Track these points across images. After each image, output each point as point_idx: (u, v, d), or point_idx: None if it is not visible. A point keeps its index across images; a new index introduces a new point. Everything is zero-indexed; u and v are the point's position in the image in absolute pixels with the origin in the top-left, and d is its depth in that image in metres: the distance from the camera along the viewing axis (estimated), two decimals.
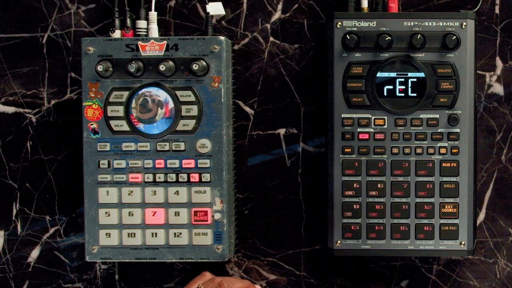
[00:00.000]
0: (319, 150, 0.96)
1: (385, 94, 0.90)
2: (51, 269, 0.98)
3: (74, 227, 0.97)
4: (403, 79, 0.90)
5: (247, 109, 0.96)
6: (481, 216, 0.96)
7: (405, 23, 0.89)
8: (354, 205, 0.91)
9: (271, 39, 0.96)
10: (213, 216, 0.90)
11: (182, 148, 0.90)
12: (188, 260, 0.91)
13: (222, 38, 0.89)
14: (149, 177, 0.90)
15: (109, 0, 0.96)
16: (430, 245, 0.90)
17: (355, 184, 0.91)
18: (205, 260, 0.90)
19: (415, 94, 0.90)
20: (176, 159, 0.90)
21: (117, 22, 0.93)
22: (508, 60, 0.95)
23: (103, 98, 0.90)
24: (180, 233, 0.90)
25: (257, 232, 0.97)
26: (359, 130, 0.90)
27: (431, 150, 0.90)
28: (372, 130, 0.90)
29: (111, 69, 0.89)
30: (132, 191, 0.91)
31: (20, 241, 0.98)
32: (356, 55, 0.90)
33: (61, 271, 0.98)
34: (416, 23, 0.89)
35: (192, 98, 0.90)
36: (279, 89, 0.96)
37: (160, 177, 0.90)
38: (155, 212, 0.90)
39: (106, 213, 0.91)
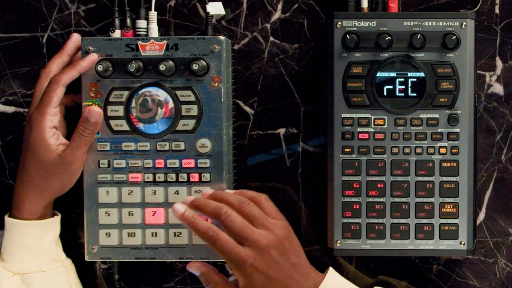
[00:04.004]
0: (319, 150, 0.96)
1: (385, 94, 0.90)
2: None
3: (74, 227, 0.97)
4: (403, 79, 0.90)
5: (247, 109, 0.96)
6: (481, 216, 0.96)
7: (405, 23, 0.89)
8: (354, 205, 0.91)
9: (271, 39, 0.96)
10: None
11: (182, 148, 0.90)
12: (188, 260, 0.91)
13: (222, 38, 0.89)
14: (149, 177, 0.90)
15: (109, 0, 0.96)
16: (430, 245, 0.90)
17: (355, 184, 0.91)
18: (205, 260, 0.90)
19: (415, 94, 0.90)
20: (176, 159, 0.90)
21: (117, 22, 0.93)
22: (508, 60, 0.95)
23: (103, 98, 0.90)
24: (180, 233, 0.90)
25: None
26: (359, 130, 0.90)
27: (431, 150, 0.90)
28: (372, 130, 0.90)
29: (111, 68, 0.89)
30: (132, 191, 0.91)
31: None
32: (356, 55, 0.90)
33: None
34: (416, 23, 0.89)
35: (192, 98, 0.90)
36: (279, 89, 0.96)
37: (160, 177, 0.90)
38: (155, 211, 0.90)
39: (106, 212, 0.91)
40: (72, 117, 0.96)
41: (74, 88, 0.97)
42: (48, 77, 0.89)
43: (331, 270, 0.86)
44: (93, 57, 0.88)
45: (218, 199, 0.84)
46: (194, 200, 0.84)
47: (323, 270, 0.88)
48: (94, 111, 0.87)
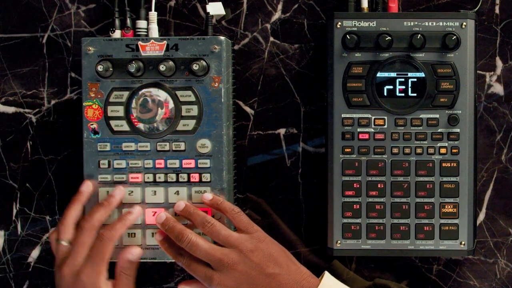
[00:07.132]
0: (319, 150, 0.96)
1: (385, 94, 0.90)
2: (51, 269, 0.98)
3: None
4: (403, 79, 0.90)
5: (247, 109, 0.96)
6: (481, 216, 0.96)
7: (405, 23, 0.89)
8: (354, 205, 0.91)
9: (271, 39, 0.96)
10: (213, 216, 0.90)
11: (182, 148, 0.90)
12: None
13: (222, 38, 0.89)
14: (149, 177, 0.90)
15: (109, 0, 0.96)
16: (430, 245, 0.90)
17: (355, 184, 0.91)
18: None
19: (415, 94, 0.90)
20: (176, 159, 0.90)
21: (117, 22, 0.93)
22: (508, 60, 0.95)
23: (103, 98, 0.90)
24: None
25: None
26: (359, 130, 0.90)
27: (431, 150, 0.90)
28: (372, 130, 0.90)
29: (111, 69, 0.89)
30: (132, 191, 0.91)
31: (20, 241, 0.98)
32: (356, 55, 0.90)
33: None
34: (416, 23, 0.89)
35: (192, 98, 0.90)
36: (279, 89, 0.96)
37: (160, 177, 0.90)
38: (155, 212, 0.90)
39: None
40: (72, 117, 0.96)
41: (75, 89, 0.97)
42: (92, 230, 0.87)
43: (326, 274, 0.86)
44: (139, 211, 0.89)
45: (186, 216, 0.88)
46: (164, 221, 0.87)
47: (323, 270, 0.88)
48: (135, 251, 0.88)
